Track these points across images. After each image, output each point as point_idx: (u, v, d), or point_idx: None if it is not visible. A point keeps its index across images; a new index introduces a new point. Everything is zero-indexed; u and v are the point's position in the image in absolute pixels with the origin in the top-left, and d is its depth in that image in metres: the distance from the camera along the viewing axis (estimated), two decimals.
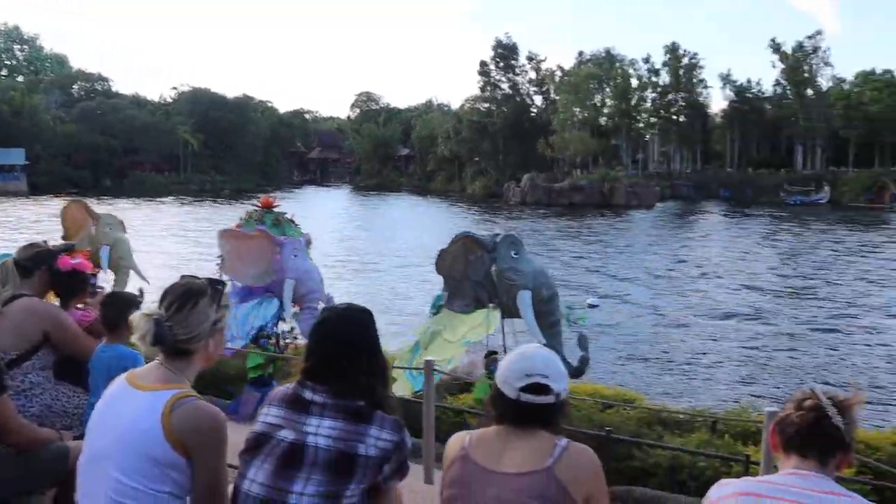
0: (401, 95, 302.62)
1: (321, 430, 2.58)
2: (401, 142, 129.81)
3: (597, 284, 34.50)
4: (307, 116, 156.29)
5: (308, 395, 2.66)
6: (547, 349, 2.72)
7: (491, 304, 10.52)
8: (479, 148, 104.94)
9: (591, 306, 28.65)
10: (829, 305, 30.09)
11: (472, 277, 10.41)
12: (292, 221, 13.09)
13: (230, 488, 2.69)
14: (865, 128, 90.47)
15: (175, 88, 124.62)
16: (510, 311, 10.41)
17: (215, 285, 2.88)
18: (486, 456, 2.57)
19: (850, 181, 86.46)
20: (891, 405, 17.55)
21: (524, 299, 10.05)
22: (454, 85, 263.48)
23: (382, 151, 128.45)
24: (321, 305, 11.79)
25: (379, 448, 2.58)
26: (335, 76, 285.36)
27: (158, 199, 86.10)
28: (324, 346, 2.72)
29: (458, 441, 2.69)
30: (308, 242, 12.05)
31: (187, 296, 2.80)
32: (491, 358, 10.82)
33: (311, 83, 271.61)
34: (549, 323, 10.30)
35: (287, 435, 2.61)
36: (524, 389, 2.57)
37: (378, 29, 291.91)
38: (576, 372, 10.26)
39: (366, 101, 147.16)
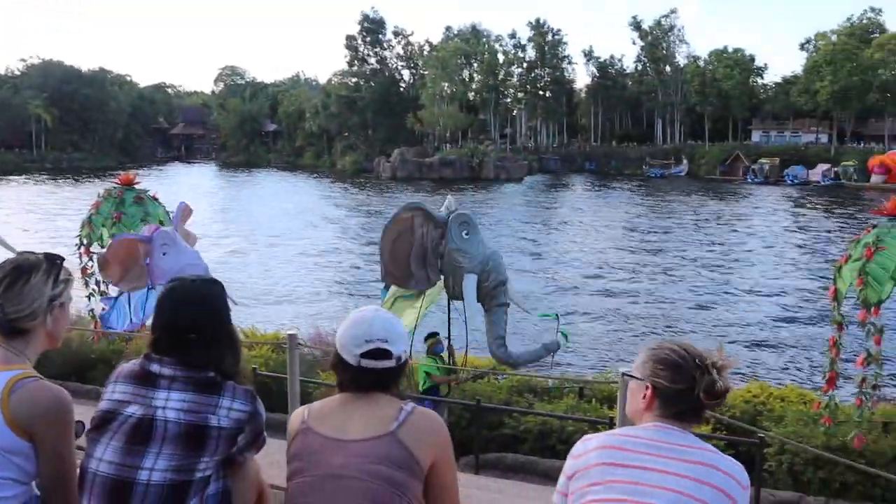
0: (267, 70, 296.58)
1: (170, 404, 2.47)
2: (268, 117, 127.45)
3: None
4: (169, 91, 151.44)
5: (155, 368, 2.53)
6: (386, 312, 2.66)
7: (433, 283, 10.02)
8: (348, 123, 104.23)
9: None
10: (687, 272, 31.42)
11: (419, 254, 9.80)
12: (155, 199, 12.57)
13: (77, 471, 2.54)
14: (719, 103, 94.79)
15: (24, 60, 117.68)
16: (454, 294, 9.93)
17: (52, 260, 2.69)
18: (329, 425, 2.51)
19: (707, 154, 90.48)
20: (744, 364, 18.48)
21: (468, 283, 9.63)
22: (321, 59, 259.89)
23: (249, 127, 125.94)
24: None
25: (231, 419, 2.49)
26: (197, 49, 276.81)
27: (8, 178, 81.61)
28: (170, 317, 2.59)
29: (298, 415, 2.63)
30: (187, 212, 11.35)
31: (18, 272, 2.62)
32: (434, 340, 10.30)
33: (173, 56, 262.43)
34: (495, 304, 9.88)
35: (135, 410, 2.48)
36: (364, 355, 2.52)
37: (241, 0, 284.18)
38: (516, 359, 10.00)
39: (230, 76, 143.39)
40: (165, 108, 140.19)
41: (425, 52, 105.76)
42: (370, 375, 2.52)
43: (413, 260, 9.78)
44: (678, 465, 2.19)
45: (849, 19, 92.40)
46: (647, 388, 2.35)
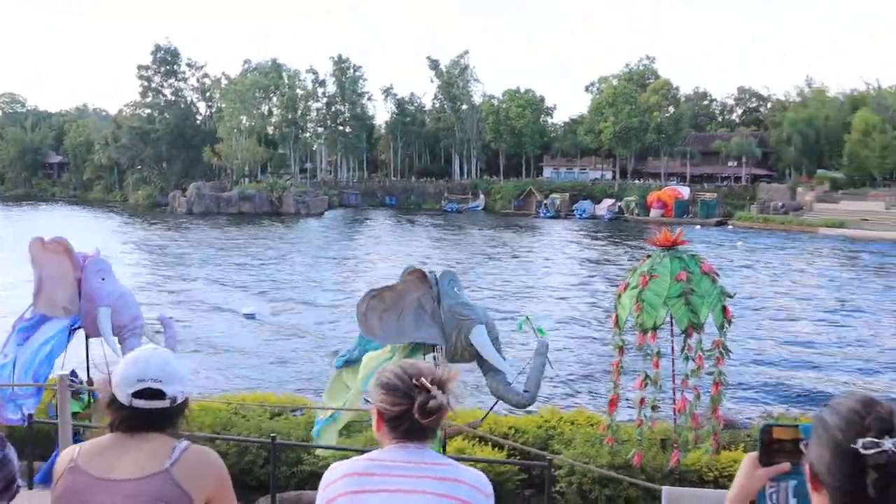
0: (50, 98, 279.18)
1: None
2: (52, 148, 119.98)
3: (261, 291, 34.23)
4: None
5: None
6: (164, 351, 2.61)
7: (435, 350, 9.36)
8: (141, 156, 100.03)
9: (248, 316, 28.36)
10: (482, 302, 32.28)
11: (421, 315, 9.09)
12: None
13: None
14: (513, 140, 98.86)
15: None
16: (459, 353, 9.22)
17: None
18: (99, 465, 2.43)
19: (502, 189, 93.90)
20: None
21: (482, 334, 9.03)
22: (111, 89, 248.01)
23: (31, 158, 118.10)
24: (149, 332, 10.23)
25: None
26: None
27: None
28: None
29: (67, 454, 2.55)
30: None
31: None
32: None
33: None
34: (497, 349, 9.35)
35: None
36: (136, 395, 2.47)
37: (20, 27, 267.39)
38: (522, 401, 9.34)
39: (9, 103, 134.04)
40: None
41: (223, 85, 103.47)
42: (143, 415, 2.46)
43: (422, 318, 9.11)
44: (424, 483, 2.25)
45: (627, 65, 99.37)
46: (376, 413, 2.39)
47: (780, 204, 75.86)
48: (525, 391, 9.15)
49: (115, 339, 9.65)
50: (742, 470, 1.85)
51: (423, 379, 2.30)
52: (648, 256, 9.49)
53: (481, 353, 9.00)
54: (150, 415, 2.47)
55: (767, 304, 32.47)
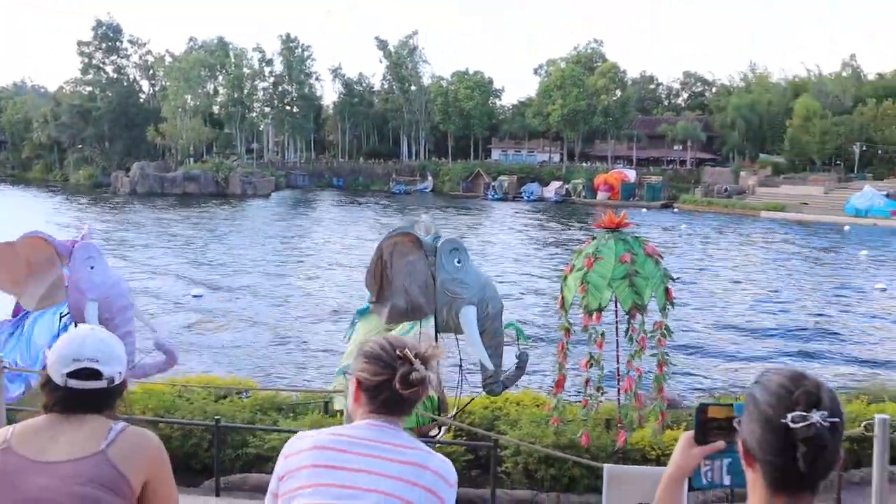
0: None
1: None
2: None
3: (207, 273, 33.85)
4: None
5: None
6: (102, 331, 2.57)
7: (427, 316, 9.22)
8: (82, 134, 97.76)
9: (196, 297, 28.08)
10: None
11: (408, 283, 8.94)
12: None
13: None
14: (462, 122, 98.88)
15: None
16: (449, 327, 9.15)
17: None
18: (32, 446, 2.38)
19: (450, 171, 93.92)
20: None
21: (469, 316, 8.89)
22: (51, 65, 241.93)
23: None
24: (140, 323, 9.92)
25: None
26: None
27: None
28: None
29: (0, 434, 2.44)
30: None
31: None
32: None
33: None
34: (494, 343, 9.31)
35: None
36: (71, 375, 2.42)
37: None
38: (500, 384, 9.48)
39: None
40: None
41: (167, 63, 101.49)
42: (78, 396, 2.42)
43: (416, 288, 8.99)
44: (390, 467, 2.21)
45: (575, 48, 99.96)
46: (355, 382, 2.35)
47: (723, 187, 77.14)
48: (496, 385, 9.50)
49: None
50: (678, 448, 1.88)
51: (406, 351, 2.29)
52: (594, 238, 9.57)
53: (466, 334, 9.07)
54: (86, 395, 2.42)
55: (709, 286, 33.05)
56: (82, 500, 2.26)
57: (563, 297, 9.54)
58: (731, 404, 1.83)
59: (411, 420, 9.01)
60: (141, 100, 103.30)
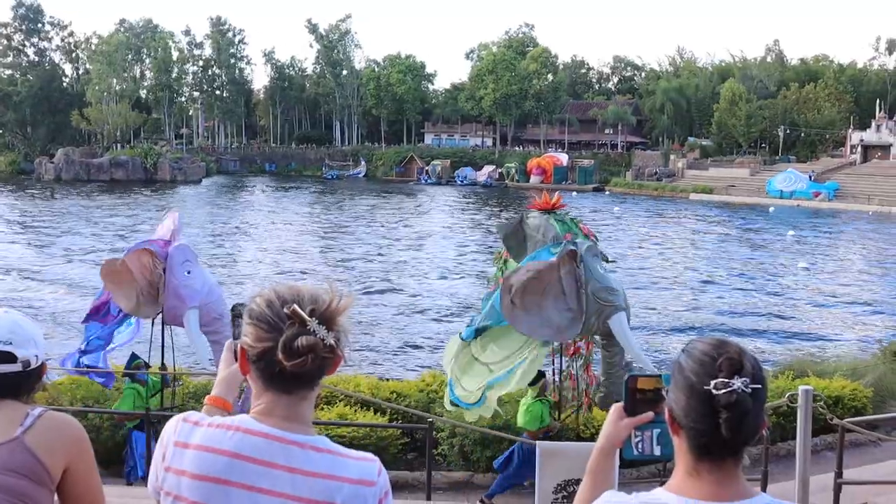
0: None
1: None
2: None
3: None
4: None
5: None
6: (16, 312, 2.46)
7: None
8: (2, 119, 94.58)
9: None
10: (360, 265, 32.23)
11: (560, 301, 8.40)
12: None
13: None
14: (394, 107, 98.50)
15: None
16: (591, 332, 8.88)
17: None
18: None
19: (384, 156, 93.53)
20: (417, 355, 19.33)
21: (623, 323, 8.57)
22: None
23: None
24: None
25: None
26: None
27: None
28: None
29: None
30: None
31: None
32: (542, 383, 9.02)
33: None
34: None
35: None
36: None
37: None
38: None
39: None
40: None
41: (92, 46, 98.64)
42: None
43: (561, 304, 8.44)
44: (292, 483, 1.78)
45: (507, 32, 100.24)
46: (240, 349, 1.88)
47: (653, 170, 78.46)
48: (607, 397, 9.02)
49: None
50: (608, 420, 1.91)
51: (296, 307, 1.77)
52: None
53: (621, 342, 8.72)
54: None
55: (640, 266, 33.59)
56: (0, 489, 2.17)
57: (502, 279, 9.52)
58: (660, 375, 1.86)
59: (531, 421, 8.82)
60: (64, 84, 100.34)
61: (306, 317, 1.77)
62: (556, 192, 10.21)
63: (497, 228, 9.28)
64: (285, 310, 1.79)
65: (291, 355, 1.75)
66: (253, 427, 1.81)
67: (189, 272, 8.87)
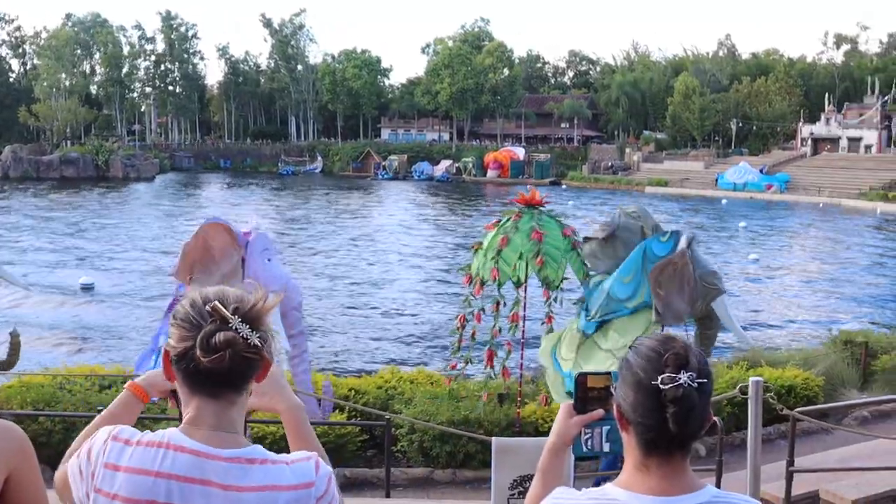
0: None
1: None
2: None
3: (93, 260, 32.66)
4: None
5: None
6: None
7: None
8: None
9: (85, 287, 26.96)
10: (319, 263, 32.09)
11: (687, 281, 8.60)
12: None
13: None
14: (350, 102, 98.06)
15: None
16: (694, 316, 9.11)
17: None
18: None
19: (340, 151, 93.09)
20: (373, 351, 19.29)
21: (726, 305, 9.08)
22: None
23: None
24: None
25: None
26: None
27: None
28: None
29: None
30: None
31: None
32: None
33: None
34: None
35: None
36: None
37: None
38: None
39: None
40: None
41: (42, 41, 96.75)
42: None
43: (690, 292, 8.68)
44: (233, 501, 1.72)
45: (462, 27, 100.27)
46: (164, 353, 1.82)
47: (609, 164, 79.14)
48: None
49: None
50: (558, 418, 1.92)
51: (217, 303, 1.73)
52: (519, 215, 9.65)
53: (725, 323, 9.32)
54: None
55: None
56: None
57: (499, 271, 9.46)
58: (609, 373, 1.87)
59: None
60: (11, 79, 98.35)
61: (227, 314, 1.72)
62: (531, 188, 10.35)
63: (604, 229, 9.23)
64: (207, 307, 1.74)
65: (208, 351, 1.69)
66: (183, 443, 1.74)
67: (269, 260, 8.79)
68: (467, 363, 9.71)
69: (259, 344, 1.74)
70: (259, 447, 1.80)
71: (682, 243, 8.64)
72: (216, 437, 1.75)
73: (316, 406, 9.19)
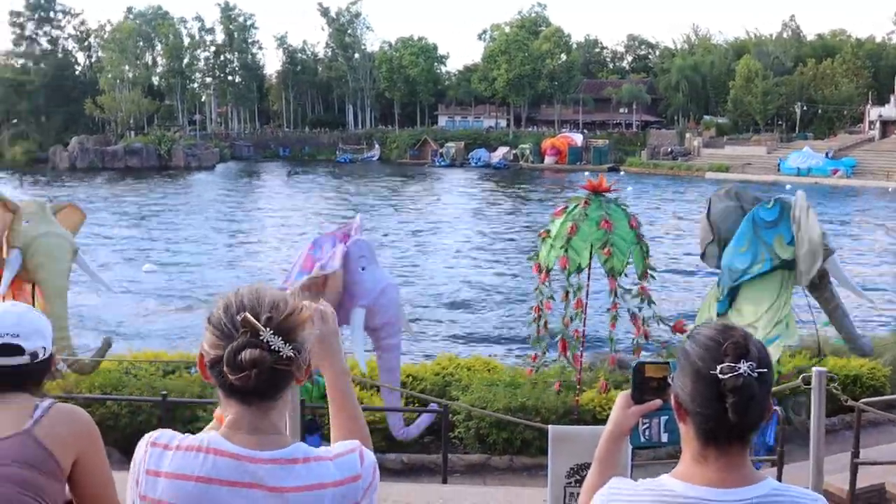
0: None
1: None
2: None
3: (159, 248, 33.33)
4: None
5: None
6: (21, 305, 2.46)
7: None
8: (16, 109, 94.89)
9: (148, 273, 27.56)
10: (378, 250, 32.22)
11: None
12: None
13: None
14: (407, 89, 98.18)
15: None
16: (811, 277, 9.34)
17: None
18: None
19: (397, 139, 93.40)
20: (434, 339, 19.35)
21: (838, 263, 9.75)
22: None
23: None
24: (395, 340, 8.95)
25: None
26: None
27: None
28: None
29: None
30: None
31: None
32: None
33: None
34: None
35: None
36: None
37: None
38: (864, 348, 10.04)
39: None
40: None
41: (105, 34, 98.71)
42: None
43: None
44: (278, 502, 1.69)
45: (519, 12, 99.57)
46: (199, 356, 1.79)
47: (669, 149, 77.98)
48: (864, 338, 10.14)
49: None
50: (616, 407, 1.90)
51: (248, 315, 1.66)
52: (587, 202, 9.61)
53: (839, 279, 9.88)
54: (7, 372, 2.30)
55: (660, 248, 33.40)
56: (8, 480, 2.17)
57: (568, 259, 9.43)
58: (668, 363, 1.85)
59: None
60: (77, 72, 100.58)
61: (260, 326, 1.65)
62: (592, 175, 10.39)
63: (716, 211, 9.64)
64: (238, 317, 1.68)
65: (234, 369, 1.64)
66: (223, 447, 1.71)
67: (363, 268, 8.58)
68: (544, 353, 9.70)
69: (293, 355, 1.68)
70: (302, 445, 1.77)
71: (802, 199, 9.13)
72: (256, 439, 1.72)
73: (400, 422, 9.14)
